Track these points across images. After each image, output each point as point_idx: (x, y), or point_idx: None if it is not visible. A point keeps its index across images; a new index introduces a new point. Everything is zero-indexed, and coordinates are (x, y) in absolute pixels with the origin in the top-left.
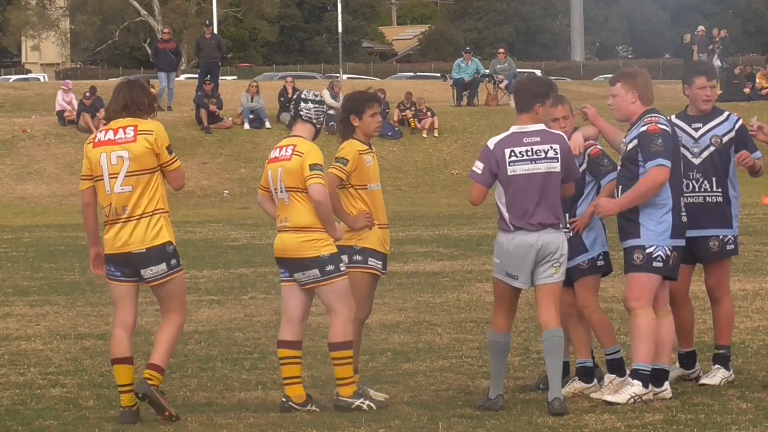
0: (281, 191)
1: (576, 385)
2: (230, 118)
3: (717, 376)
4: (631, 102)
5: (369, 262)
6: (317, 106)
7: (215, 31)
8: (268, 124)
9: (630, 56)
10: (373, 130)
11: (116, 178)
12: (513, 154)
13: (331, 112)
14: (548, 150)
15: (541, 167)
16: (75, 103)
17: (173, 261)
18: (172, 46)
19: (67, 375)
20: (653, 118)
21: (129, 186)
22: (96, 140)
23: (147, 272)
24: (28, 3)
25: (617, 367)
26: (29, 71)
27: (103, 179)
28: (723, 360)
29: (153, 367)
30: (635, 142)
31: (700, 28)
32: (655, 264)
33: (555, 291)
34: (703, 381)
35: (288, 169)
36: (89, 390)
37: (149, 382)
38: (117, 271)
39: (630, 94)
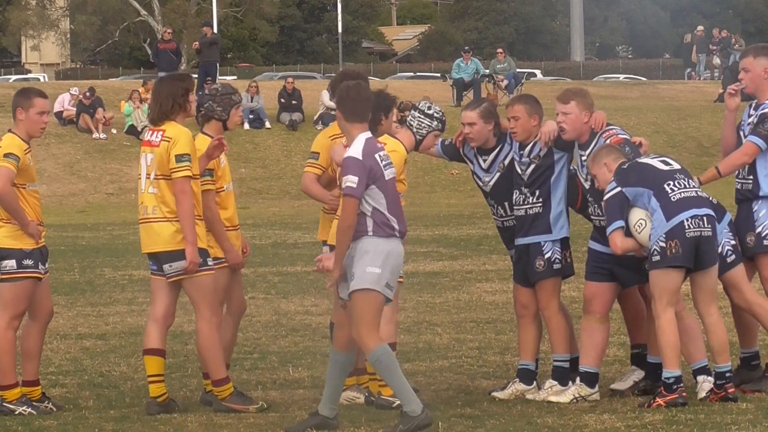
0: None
1: (517, 386)
2: None
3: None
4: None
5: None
6: (422, 117)
7: (215, 31)
8: (268, 124)
9: (630, 56)
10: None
11: (148, 178)
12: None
13: (332, 113)
14: None
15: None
16: (66, 103)
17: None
18: (173, 46)
19: (67, 375)
20: None
21: (156, 188)
22: (144, 139)
23: (167, 267)
24: (28, 3)
25: (561, 375)
26: (29, 71)
27: (141, 177)
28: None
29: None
30: None
31: (699, 28)
32: None
33: None
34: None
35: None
36: (89, 390)
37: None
38: (153, 265)
39: None
